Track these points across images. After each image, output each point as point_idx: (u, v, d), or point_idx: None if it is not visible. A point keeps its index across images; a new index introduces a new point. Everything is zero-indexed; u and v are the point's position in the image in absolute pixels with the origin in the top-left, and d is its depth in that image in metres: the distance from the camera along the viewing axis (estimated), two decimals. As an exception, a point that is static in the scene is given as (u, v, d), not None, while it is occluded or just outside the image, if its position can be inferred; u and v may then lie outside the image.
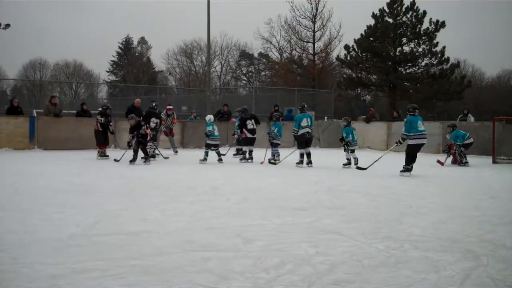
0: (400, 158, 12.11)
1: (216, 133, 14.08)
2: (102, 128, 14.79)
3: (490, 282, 3.93)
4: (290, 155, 13.92)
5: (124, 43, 62.94)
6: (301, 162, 13.39)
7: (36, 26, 72.85)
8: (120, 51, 62.98)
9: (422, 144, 11.65)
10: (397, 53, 37.29)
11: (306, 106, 14.29)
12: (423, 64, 37.10)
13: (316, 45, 43.25)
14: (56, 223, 5.72)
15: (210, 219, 6.13)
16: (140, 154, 13.05)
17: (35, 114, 21.21)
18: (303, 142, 13.61)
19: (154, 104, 15.17)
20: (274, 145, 14.24)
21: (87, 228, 5.47)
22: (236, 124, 15.82)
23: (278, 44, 48.07)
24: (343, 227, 5.76)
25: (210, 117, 14.62)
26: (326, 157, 16.05)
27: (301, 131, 13.51)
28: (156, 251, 4.61)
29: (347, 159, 13.60)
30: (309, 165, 13.28)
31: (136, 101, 19.96)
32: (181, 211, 6.67)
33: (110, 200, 7.42)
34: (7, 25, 30.97)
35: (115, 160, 13.39)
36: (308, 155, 13.47)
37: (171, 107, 17.34)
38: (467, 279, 3.98)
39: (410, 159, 11.53)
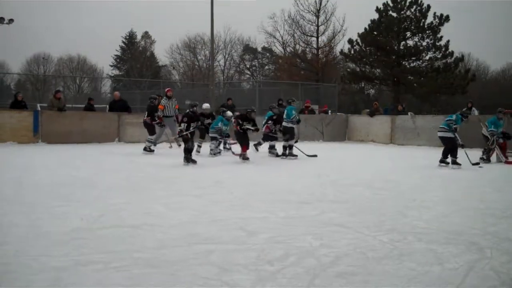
0: (401, 152, 12.05)
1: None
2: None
3: (493, 275, 3.92)
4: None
5: (127, 37, 62.86)
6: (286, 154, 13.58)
7: (40, 21, 72.90)
8: (123, 45, 62.92)
9: None
10: (401, 47, 37.24)
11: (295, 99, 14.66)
12: (427, 58, 37.07)
13: (319, 39, 43.26)
14: (60, 216, 5.73)
15: (214, 212, 6.13)
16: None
17: (39, 108, 21.25)
18: (294, 135, 13.84)
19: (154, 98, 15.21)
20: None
21: (91, 222, 5.48)
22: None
23: (282, 38, 47.93)
24: (347, 220, 5.76)
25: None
26: (330, 151, 16.01)
27: (292, 124, 13.66)
28: (160, 244, 4.61)
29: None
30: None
31: (114, 94, 20.07)
32: (185, 204, 6.66)
33: (114, 193, 7.43)
34: (11, 20, 31.01)
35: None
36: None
37: (170, 88, 17.16)
38: (471, 271, 3.97)
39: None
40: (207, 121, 13.76)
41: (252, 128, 12.74)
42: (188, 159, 11.44)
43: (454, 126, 11.67)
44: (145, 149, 14.39)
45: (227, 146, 15.06)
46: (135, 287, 3.56)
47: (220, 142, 14.39)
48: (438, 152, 13.64)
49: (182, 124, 11.73)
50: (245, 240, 4.80)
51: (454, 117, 11.90)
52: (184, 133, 11.62)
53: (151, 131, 14.65)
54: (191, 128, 11.83)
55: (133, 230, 5.15)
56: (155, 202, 6.75)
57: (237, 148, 13.41)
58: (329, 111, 25.29)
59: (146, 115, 14.72)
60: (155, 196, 7.26)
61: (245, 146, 12.46)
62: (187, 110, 12.12)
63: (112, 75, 59.93)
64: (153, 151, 14.35)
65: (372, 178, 9.62)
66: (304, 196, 7.39)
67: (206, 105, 14.87)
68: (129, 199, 6.97)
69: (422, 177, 10.01)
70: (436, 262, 4.20)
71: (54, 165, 11.23)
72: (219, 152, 14.15)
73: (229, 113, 14.53)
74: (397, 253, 4.42)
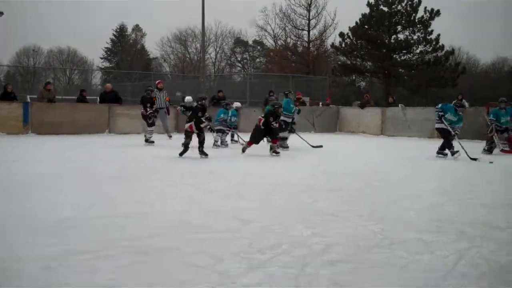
0: (392, 143, 12.05)
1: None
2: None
3: (483, 262, 3.94)
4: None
5: (118, 30, 62.67)
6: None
7: (30, 13, 72.40)
8: (114, 38, 62.70)
9: None
10: (392, 41, 37.32)
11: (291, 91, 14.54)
12: (417, 51, 37.20)
13: (311, 32, 43.25)
14: (51, 206, 5.70)
15: (207, 202, 6.13)
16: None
17: (28, 100, 21.15)
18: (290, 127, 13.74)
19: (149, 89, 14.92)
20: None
21: (82, 211, 5.46)
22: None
23: (273, 32, 47.97)
24: (339, 209, 5.77)
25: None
26: (321, 142, 16.02)
27: (287, 118, 13.54)
28: (151, 232, 4.60)
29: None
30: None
31: (105, 86, 20.05)
32: (178, 193, 6.66)
33: (107, 183, 7.42)
34: (0, 13, 30.79)
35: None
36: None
37: (160, 80, 17.02)
38: (461, 259, 3.99)
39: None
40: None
41: (275, 124, 12.03)
42: (183, 153, 10.98)
43: (440, 113, 11.64)
44: (146, 140, 14.21)
45: (235, 138, 15.01)
46: (125, 275, 3.55)
47: (226, 134, 14.38)
48: (428, 143, 13.76)
49: (204, 119, 11.00)
50: (238, 229, 4.80)
51: (440, 105, 11.92)
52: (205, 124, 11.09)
53: (149, 123, 14.46)
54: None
55: (125, 219, 5.13)
56: (148, 191, 6.75)
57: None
58: (320, 103, 25.33)
59: (142, 108, 14.57)
60: (148, 185, 7.26)
61: (251, 142, 12.08)
62: (195, 104, 11.43)
63: (103, 67, 59.75)
64: (153, 142, 14.16)
65: (365, 169, 9.64)
66: (297, 186, 7.40)
67: (188, 98, 14.35)
68: (122, 189, 6.97)
69: (413, 168, 10.06)
70: (426, 250, 4.22)
71: (44, 155, 11.18)
72: (226, 145, 14.13)
73: (237, 103, 14.50)
74: (387, 242, 4.44)
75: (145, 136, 14.41)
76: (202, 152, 11.00)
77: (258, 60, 59.65)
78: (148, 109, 14.26)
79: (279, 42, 48.02)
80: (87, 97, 21.09)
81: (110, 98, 19.30)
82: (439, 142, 12.26)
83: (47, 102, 17.86)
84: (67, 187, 6.99)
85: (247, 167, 9.85)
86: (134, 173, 8.55)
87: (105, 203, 5.93)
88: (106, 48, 62.75)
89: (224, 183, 7.68)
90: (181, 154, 10.97)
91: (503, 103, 13.33)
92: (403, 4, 36.84)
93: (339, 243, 4.39)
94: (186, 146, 10.99)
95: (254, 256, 3.97)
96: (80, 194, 6.45)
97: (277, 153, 11.82)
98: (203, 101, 11.26)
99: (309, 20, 42.79)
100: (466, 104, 20.15)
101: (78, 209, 5.53)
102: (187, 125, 11.08)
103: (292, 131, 13.88)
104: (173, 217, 5.25)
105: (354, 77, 41.49)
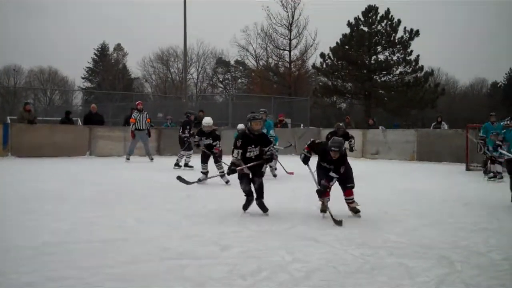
0: (372, 166, 12.02)
1: None
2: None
3: (464, 288, 3.98)
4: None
5: (100, 49, 62.52)
6: None
7: (11, 32, 72.07)
8: (95, 57, 62.55)
9: None
10: (372, 61, 37.70)
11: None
12: (397, 72, 37.58)
13: (292, 53, 43.51)
14: (30, 230, 5.65)
15: (187, 227, 6.12)
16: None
17: (8, 121, 20.96)
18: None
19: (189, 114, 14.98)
20: None
21: (62, 236, 5.42)
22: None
23: (255, 52, 48.05)
24: (319, 233, 5.79)
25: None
26: (302, 164, 16.07)
27: None
28: (132, 259, 4.58)
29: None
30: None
31: (92, 107, 19.95)
32: (157, 218, 6.64)
33: (85, 207, 7.35)
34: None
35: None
36: None
37: (140, 101, 16.87)
38: (441, 285, 4.03)
39: None
40: (207, 141, 11.29)
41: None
42: (248, 203, 7.32)
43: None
44: (185, 165, 13.92)
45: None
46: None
47: None
48: (408, 166, 13.79)
49: (235, 151, 7.23)
50: (218, 255, 4.81)
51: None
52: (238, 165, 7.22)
53: (186, 147, 14.02)
54: (248, 153, 7.30)
55: (105, 244, 5.11)
56: (127, 216, 6.70)
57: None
58: (301, 125, 25.41)
59: (181, 130, 14.43)
60: (127, 210, 7.21)
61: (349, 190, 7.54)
62: (240, 130, 8.93)
63: (84, 87, 59.45)
64: (180, 166, 13.86)
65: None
66: (276, 210, 7.39)
67: (207, 120, 11.36)
68: (101, 212, 6.91)
69: (393, 191, 10.11)
70: (407, 276, 4.25)
71: (24, 178, 11.07)
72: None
73: (241, 125, 13.78)
74: (368, 267, 4.46)
75: (177, 160, 14.14)
76: (262, 206, 7.29)
77: (240, 80, 59.77)
78: (186, 132, 14.10)
79: (260, 63, 48.23)
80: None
81: (96, 120, 19.29)
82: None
83: (27, 124, 17.69)
84: (46, 211, 6.93)
85: (224, 191, 9.79)
86: (114, 197, 8.49)
87: (85, 228, 5.89)
88: (87, 67, 62.50)
89: (202, 208, 7.64)
90: (245, 207, 7.35)
91: (493, 116, 13.27)
92: (383, 24, 37.29)
93: (320, 268, 4.40)
94: (249, 195, 7.34)
95: (236, 283, 3.98)
96: (60, 219, 6.39)
97: (357, 211, 7.28)
98: (249, 124, 7.33)
99: (290, 40, 43.03)
100: (445, 126, 20.44)
101: (58, 234, 5.49)
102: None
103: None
104: (153, 242, 5.23)
105: (335, 99, 41.74)
